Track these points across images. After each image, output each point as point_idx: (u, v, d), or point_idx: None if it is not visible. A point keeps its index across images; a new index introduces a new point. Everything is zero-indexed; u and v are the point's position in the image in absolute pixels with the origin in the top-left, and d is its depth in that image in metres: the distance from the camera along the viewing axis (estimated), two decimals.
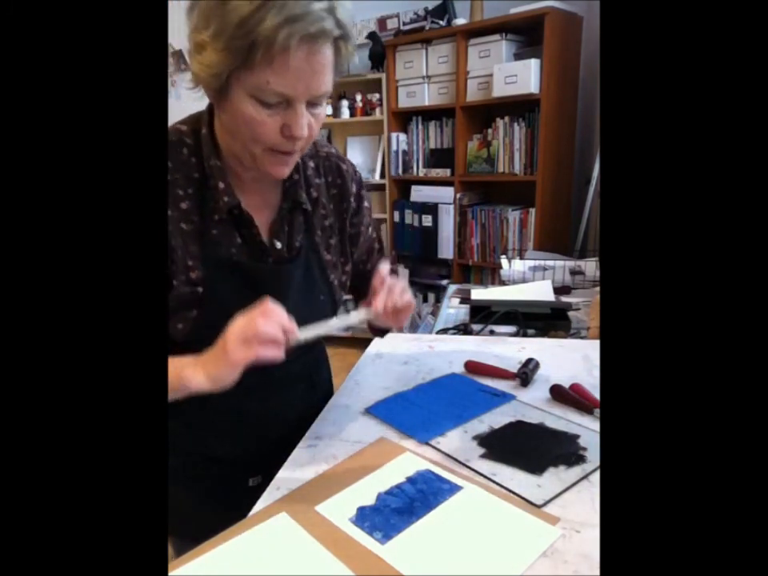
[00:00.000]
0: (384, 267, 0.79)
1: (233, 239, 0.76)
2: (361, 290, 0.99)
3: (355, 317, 0.74)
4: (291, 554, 0.62)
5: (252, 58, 0.62)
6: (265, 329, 0.63)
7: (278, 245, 0.80)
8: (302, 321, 0.87)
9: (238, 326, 0.65)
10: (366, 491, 0.71)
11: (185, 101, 3.89)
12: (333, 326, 0.71)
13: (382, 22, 3.26)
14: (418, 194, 3.15)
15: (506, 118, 2.73)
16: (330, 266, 0.86)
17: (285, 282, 0.81)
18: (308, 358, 0.95)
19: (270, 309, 0.65)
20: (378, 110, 3.29)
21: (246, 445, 0.87)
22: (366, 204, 0.91)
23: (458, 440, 0.83)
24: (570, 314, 1.45)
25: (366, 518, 0.66)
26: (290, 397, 0.91)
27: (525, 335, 1.36)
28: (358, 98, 3.34)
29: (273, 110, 0.66)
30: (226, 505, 0.69)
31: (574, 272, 1.85)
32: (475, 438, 0.84)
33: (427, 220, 3.06)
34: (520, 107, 2.65)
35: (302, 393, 0.94)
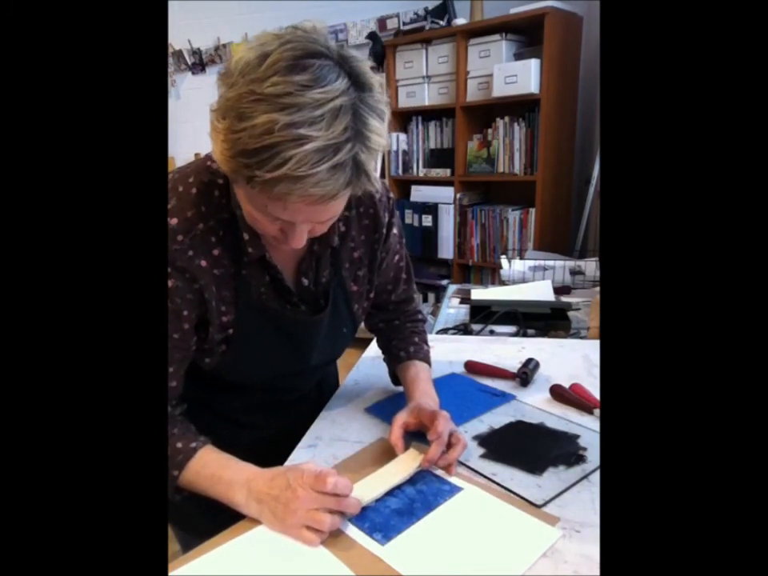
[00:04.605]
0: (442, 423, 0.75)
1: (262, 279, 0.76)
2: (385, 336, 0.98)
3: (410, 471, 0.73)
4: (291, 554, 0.62)
5: (251, 185, 0.56)
6: (330, 525, 0.62)
7: (305, 282, 0.80)
8: (325, 356, 0.88)
9: (306, 506, 0.62)
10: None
11: (185, 101, 3.87)
12: (392, 483, 0.71)
13: (381, 21, 3.26)
14: (418, 193, 3.14)
15: (506, 118, 2.72)
16: (354, 297, 0.86)
17: (313, 330, 0.82)
18: (320, 378, 0.99)
19: (346, 502, 0.64)
20: None
21: (248, 451, 0.88)
22: (394, 231, 0.87)
23: None
24: (570, 314, 1.45)
25: (365, 518, 0.66)
26: (297, 407, 0.95)
27: (525, 335, 1.36)
28: None
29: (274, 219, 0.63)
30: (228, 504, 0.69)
31: (573, 272, 1.85)
32: (475, 438, 0.84)
33: (427, 220, 3.05)
34: (520, 107, 2.65)
35: (310, 403, 0.97)
